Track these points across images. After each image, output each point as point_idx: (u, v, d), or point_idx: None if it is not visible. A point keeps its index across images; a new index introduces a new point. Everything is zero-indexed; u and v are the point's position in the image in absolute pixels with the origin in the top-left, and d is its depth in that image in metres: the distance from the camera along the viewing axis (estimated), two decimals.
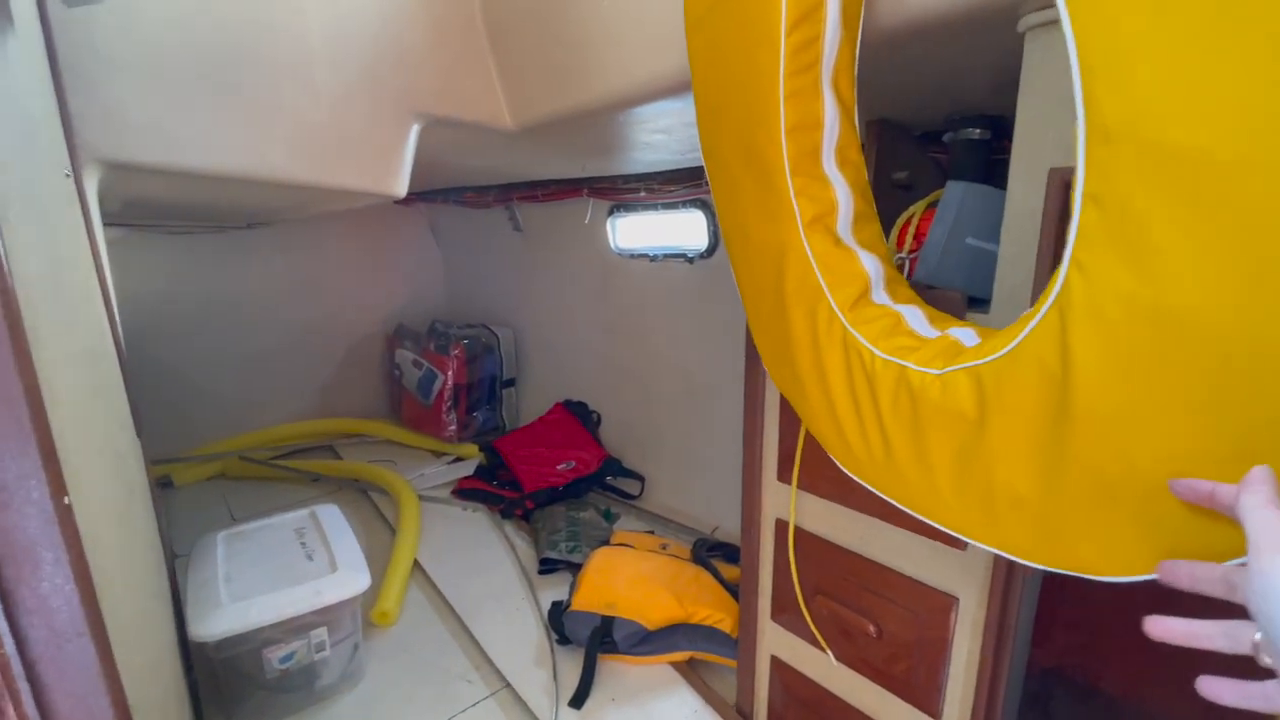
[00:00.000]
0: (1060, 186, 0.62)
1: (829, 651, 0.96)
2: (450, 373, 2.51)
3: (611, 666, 1.33)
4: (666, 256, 1.94)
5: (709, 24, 0.72)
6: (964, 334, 0.63)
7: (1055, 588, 1.20)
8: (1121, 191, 0.43)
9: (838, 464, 0.73)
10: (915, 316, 0.67)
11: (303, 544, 1.30)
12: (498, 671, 1.33)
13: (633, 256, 2.08)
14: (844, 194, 0.70)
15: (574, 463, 2.18)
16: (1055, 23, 0.62)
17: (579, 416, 2.40)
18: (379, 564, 1.62)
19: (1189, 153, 0.40)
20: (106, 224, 1.19)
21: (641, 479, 2.18)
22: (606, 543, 1.64)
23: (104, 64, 0.87)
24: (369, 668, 1.34)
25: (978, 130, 0.94)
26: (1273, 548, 0.36)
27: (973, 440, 0.56)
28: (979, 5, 0.62)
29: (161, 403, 2.23)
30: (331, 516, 1.42)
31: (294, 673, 1.18)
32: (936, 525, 0.63)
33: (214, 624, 1.07)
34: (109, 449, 0.75)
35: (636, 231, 2.07)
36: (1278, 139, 0.37)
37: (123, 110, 0.89)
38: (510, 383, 2.75)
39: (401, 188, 1.24)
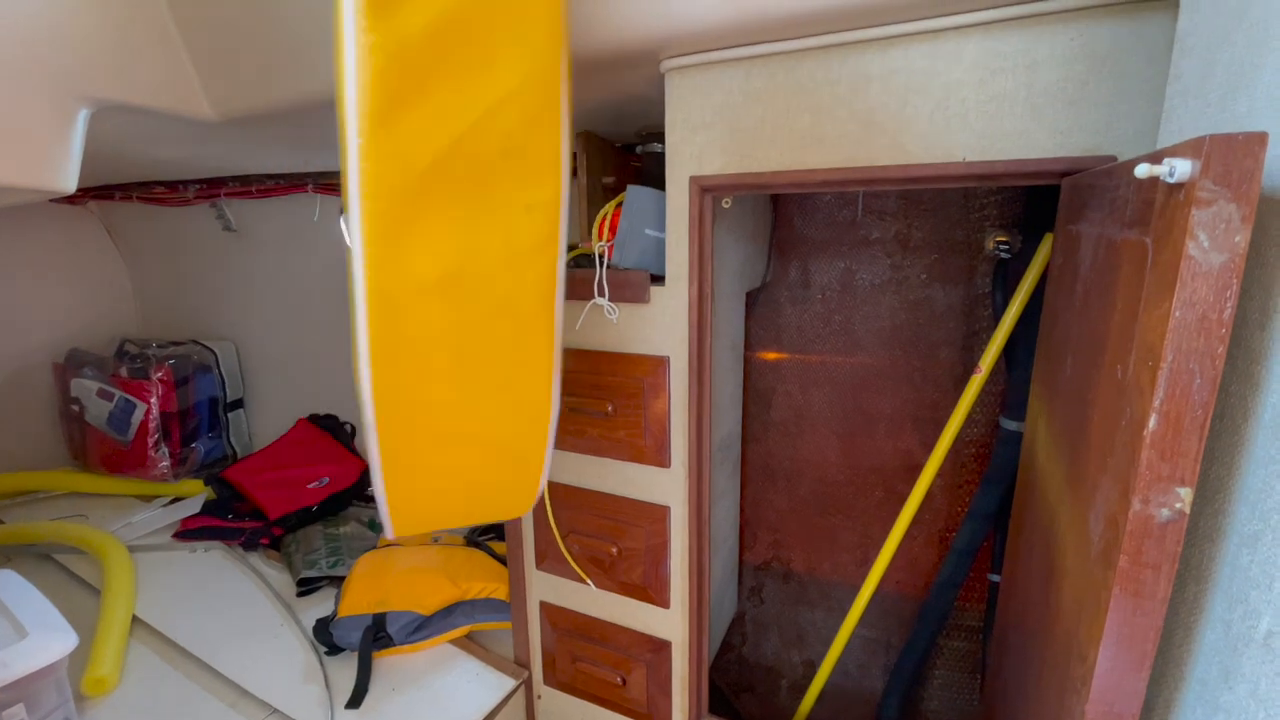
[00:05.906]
0: (698, 190, 0.86)
1: (589, 581, 1.13)
2: (154, 400, 2.14)
3: (390, 661, 1.34)
4: None
5: None
6: None
7: (754, 507, 1.56)
8: None
9: None
10: None
11: None
12: (260, 702, 1.25)
13: None
14: None
15: (327, 479, 2.05)
16: (688, 67, 0.85)
17: (329, 430, 2.26)
18: (84, 631, 1.37)
19: None
20: None
21: None
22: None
23: None
24: None
25: (659, 145, 1.18)
26: None
27: None
28: (624, 51, 0.82)
29: None
30: (8, 581, 1.17)
31: None
32: None
33: None
34: None
35: None
36: None
37: None
38: (237, 404, 2.45)
39: (69, 181, 1.08)
